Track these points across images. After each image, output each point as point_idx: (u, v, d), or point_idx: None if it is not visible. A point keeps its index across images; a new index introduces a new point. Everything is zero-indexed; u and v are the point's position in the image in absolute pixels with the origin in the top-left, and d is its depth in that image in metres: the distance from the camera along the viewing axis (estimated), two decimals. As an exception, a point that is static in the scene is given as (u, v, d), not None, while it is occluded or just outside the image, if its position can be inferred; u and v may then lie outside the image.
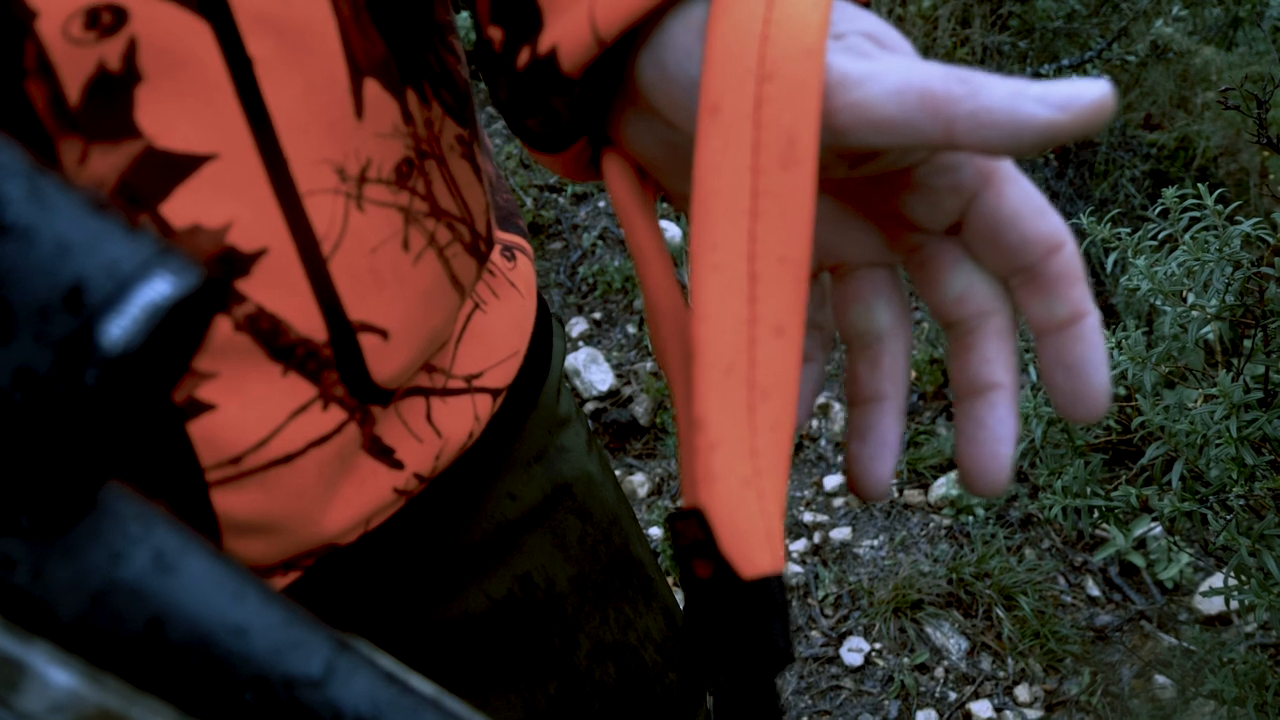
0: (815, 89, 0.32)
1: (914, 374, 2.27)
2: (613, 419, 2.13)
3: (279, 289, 0.41)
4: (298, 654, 0.25)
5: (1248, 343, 1.17)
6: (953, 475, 2.04)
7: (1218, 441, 1.12)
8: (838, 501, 2.05)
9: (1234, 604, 1.20)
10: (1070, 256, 0.35)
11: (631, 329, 2.34)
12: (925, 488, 2.05)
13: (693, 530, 0.32)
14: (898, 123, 0.31)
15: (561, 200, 2.65)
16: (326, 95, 0.40)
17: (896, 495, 2.05)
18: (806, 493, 2.07)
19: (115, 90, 0.35)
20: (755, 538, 0.32)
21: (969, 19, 2.87)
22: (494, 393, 0.53)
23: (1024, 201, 0.34)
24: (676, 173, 0.38)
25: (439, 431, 0.50)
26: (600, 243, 2.52)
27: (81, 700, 0.23)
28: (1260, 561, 1.09)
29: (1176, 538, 1.61)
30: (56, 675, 0.23)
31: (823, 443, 2.17)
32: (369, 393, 0.45)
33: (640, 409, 2.13)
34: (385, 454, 0.47)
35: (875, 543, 1.96)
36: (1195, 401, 1.17)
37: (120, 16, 0.35)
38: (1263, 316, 1.13)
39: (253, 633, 0.25)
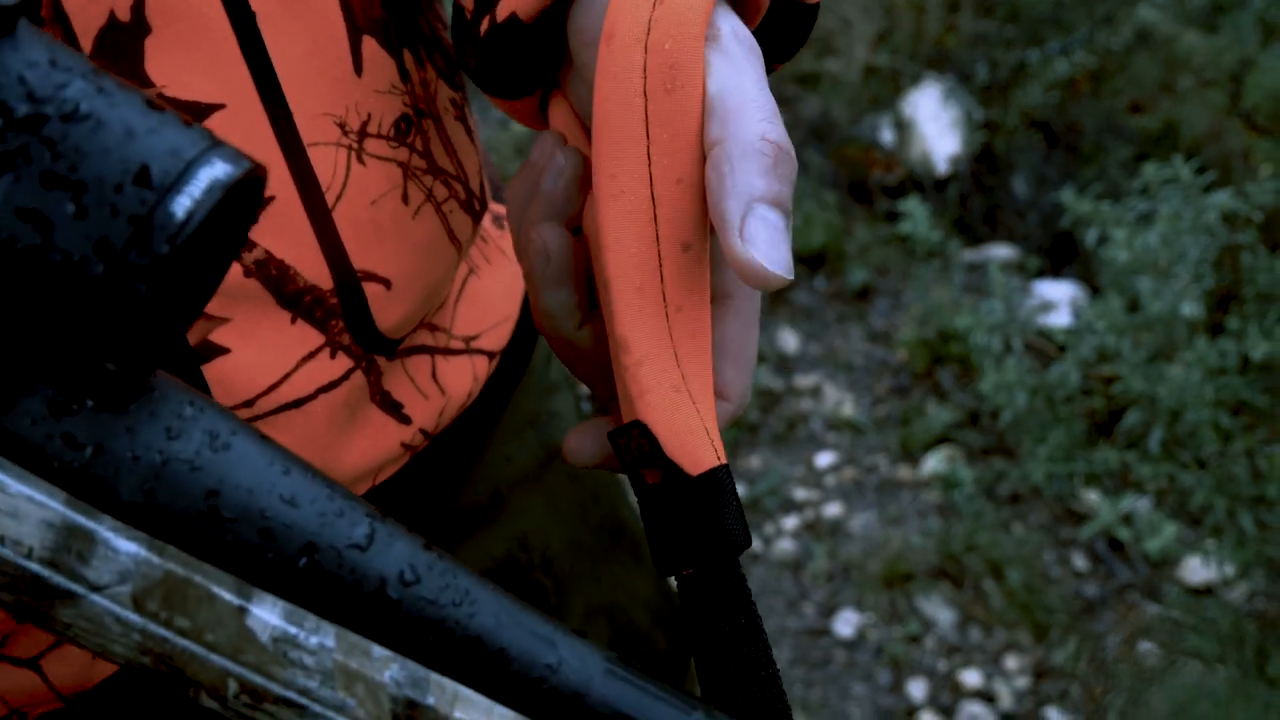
0: (701, 13, 0.33)
1: (904, 354, 2.31)
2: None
3: (286, 236, 0.42)
4: (343, 522, 0.28)
5: (1234, 321, 1.21)
6: (942, 451, 2.07)
7: (1195, 406, 1.15)
8: (829, 479, 2.08)
9: (1217, 573, 1.24)
10: (732, 413, 0.38)
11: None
12: (915, 464, 2.09)
13: (637, 442, 0.35)
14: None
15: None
16: (327, 51, 0.42)
17: (886, 472, 2.08)
18: (798, 470, 2.11)
19: (125, 41, 0.37)
20: (696, 437, 0.34)
21: (957, 5, 2.90)
22: (490, 355, 0.55)
23: (726, 340, 0.38)
24: None
25: (443, 389, 0.52)
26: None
27: (148, 566, 0.25)
28: (1236, 520, 1.12)
29: (1163, 509, 1.65)
30: (123, 545, 0.25)
31: (813, 423, 2.20)
32: (374, 341, 0.47)
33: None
34: (394, 408, 0.49)
35: (866, 518, 1.99)
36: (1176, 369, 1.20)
37: None
38: (1237, 284, 1.16)
39: (302, 503, 0.27)
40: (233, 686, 0.26)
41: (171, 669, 0.26)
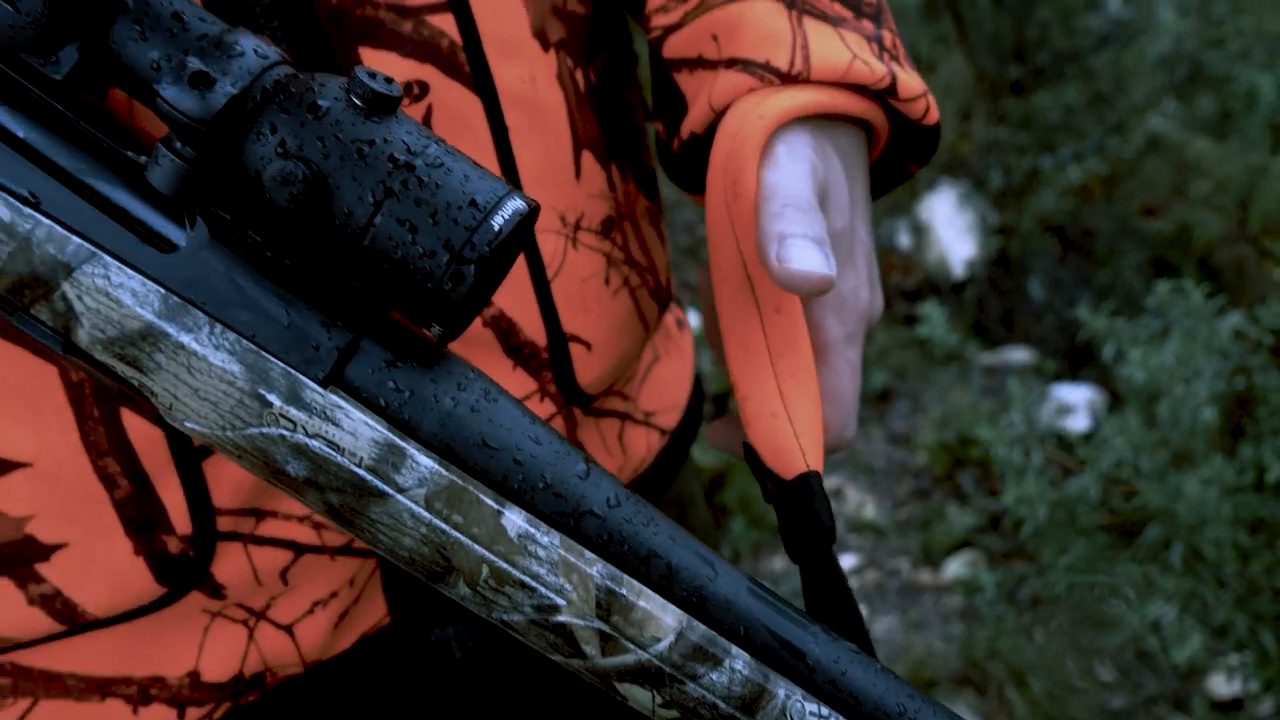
0: (757, 143, 0.46)
1: (925, 457, 2.33)
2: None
3: (515, 299, 0.53)
4: (570, 459, 0.37)
5: (1249, 441, 1.23)
6: (964, 556, 2.08)
7: (1213, 523, 1.17)
8: (852, 582, 2.09)
9: (1244, 687, 1.24)
10: (834, 443, 0.49)
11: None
12: (937, 568, 2.09)
13: (752, 459, 0.46)
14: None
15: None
16: (557, 159, 0.53)
17: (909, 576, 2.08)
18: (821, 574, 2.12)
19: None
20: (790, 452, 0.45)
21: (970, 113, 2.99)
22: (663, 431, 0.65)
23: (826, 386, 0.49)
24: None
25: (625, 450, 0.61)
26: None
27: (438, 476, 0.35)
28: (1259, 638, 1.13)
29: (1188, 619, 1.64)
30: (423, 459, 0.36)
31: (838, 526, 2.21)
32: (574, 394, 0.56)
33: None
34: None
35: (889, 622, 1.99)
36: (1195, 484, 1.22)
37: (425, 89, 0.48)
38: (1251, 403, 1.19)
39: (543, 442, 0.37)
40: (484, 571, 0.36)
41: (442, 556, 0.36)
